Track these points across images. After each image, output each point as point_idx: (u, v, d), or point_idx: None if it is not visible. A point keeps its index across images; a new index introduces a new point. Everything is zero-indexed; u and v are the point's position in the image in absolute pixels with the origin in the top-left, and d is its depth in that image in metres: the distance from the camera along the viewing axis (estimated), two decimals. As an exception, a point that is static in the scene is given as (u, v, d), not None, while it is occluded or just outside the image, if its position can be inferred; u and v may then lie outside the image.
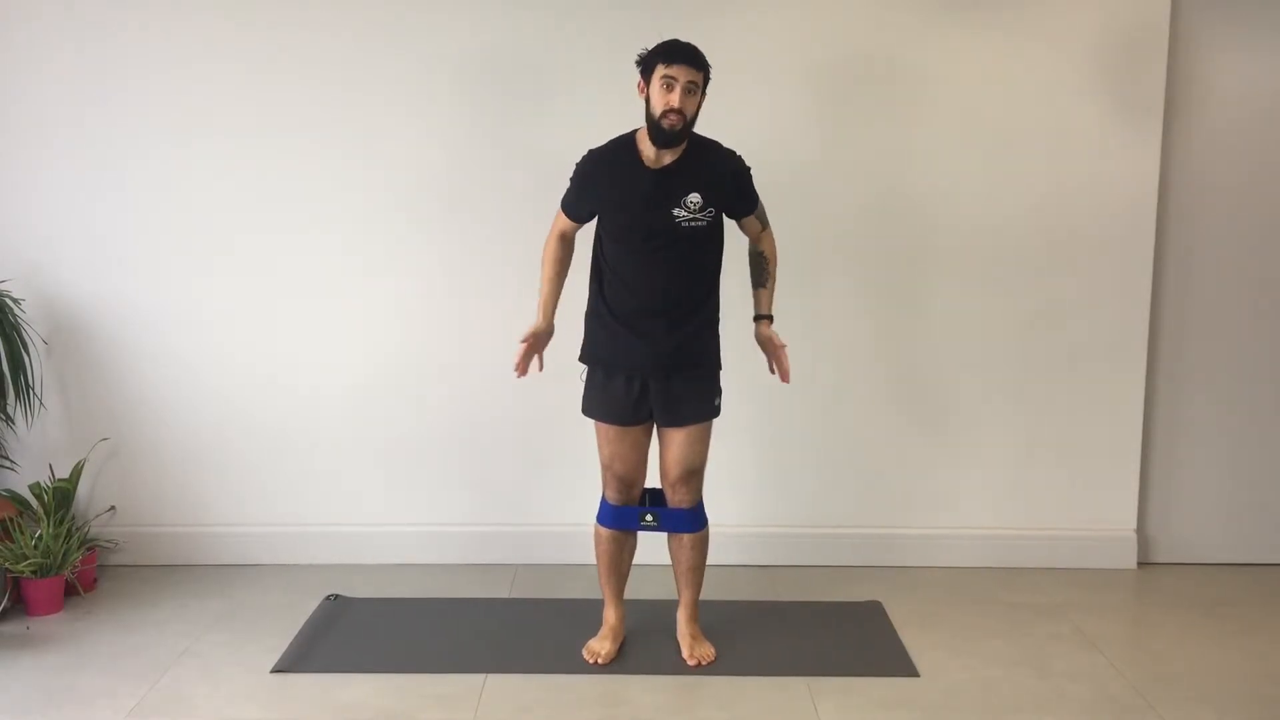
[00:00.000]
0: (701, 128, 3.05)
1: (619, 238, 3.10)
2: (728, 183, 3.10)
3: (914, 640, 3.38)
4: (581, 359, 3.21)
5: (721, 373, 3.22)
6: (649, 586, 3.67)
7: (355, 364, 3.92)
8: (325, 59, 3.76)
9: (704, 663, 3.22)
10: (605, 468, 3.22)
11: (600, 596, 3.34)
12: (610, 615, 3.33)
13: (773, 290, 3.24)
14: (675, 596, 3.33)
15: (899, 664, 3.22)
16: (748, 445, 3.94)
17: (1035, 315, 3.92)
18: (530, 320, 3.22)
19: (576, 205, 3.18)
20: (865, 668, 3.19)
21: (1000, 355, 3.94)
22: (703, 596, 3.32)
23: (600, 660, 3.22)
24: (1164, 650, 3.37)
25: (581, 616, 3.47)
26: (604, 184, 3.10)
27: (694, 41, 2.99)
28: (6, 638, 3.39)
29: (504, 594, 3.75)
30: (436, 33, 3.75)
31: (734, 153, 3.14)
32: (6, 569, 3.46)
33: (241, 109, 3.78)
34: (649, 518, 3.22)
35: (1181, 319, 3.99)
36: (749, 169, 3.16)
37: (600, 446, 3.22)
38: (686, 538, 3.24)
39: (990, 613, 3.61)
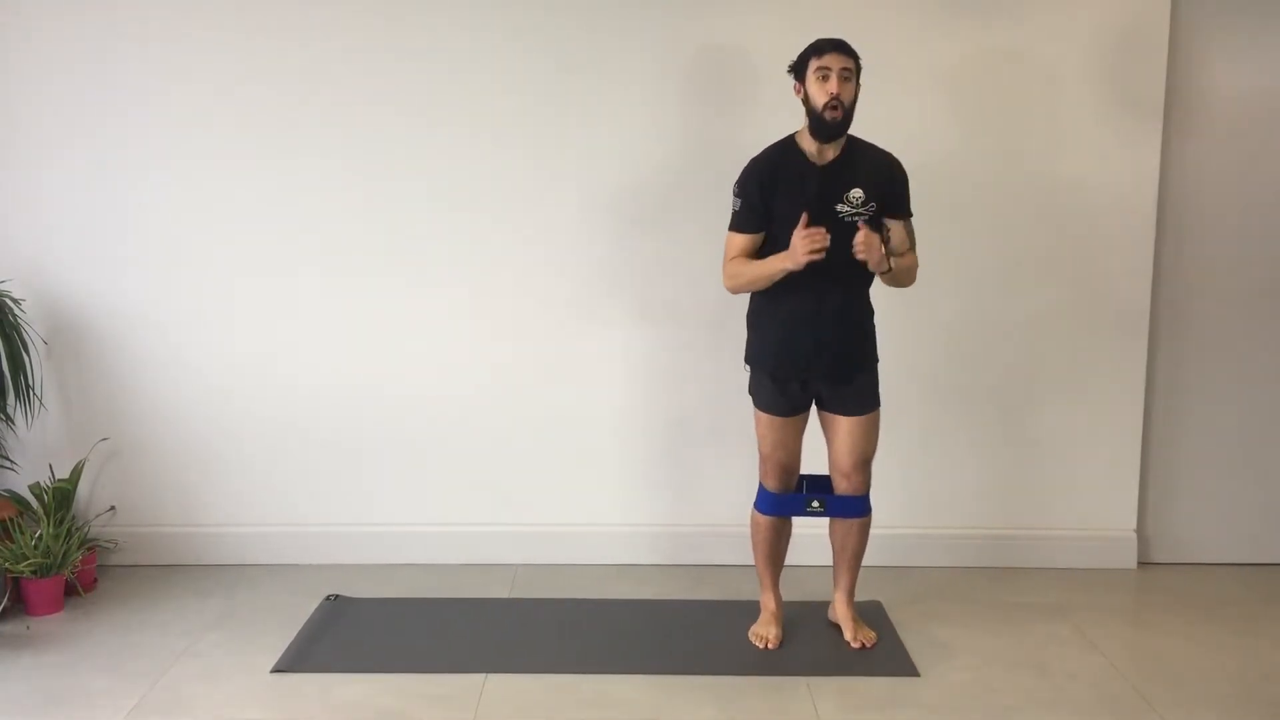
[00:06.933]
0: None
1: (786, 239, 3.07)
2: (887, 178, 3.14)
3: (914, 640, 3.38)
4: (748, 361, 3.25)
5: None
6: (648, 587, 3.68)
7: (355, 363, 3.92)
8: (321, 61, 3.76)
9: (867, 645, 3.27)
10: (766, 458, 3.26)
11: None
12: (769, 601, 3.36)
13: (899, 263, 3.17)
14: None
15: (899, 664, 3.22)
16: (747, 446, 3.91)
17: (1035, 315, 3.92)
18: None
19: (759, 216, 3.13)
20: (865, 668, 3.19)
21: (1000, 355, 3.93)
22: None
23: (770, 644, 3.26)
24: (1164, 650, 3.36)
25: (581, 616, 3.48)
26: (779, 185, 3.10)
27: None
28: (6, 638, 3.39)
29: (504, 594, 3.74)
30: (432, 34, 3.76)
31: (890, 154, 3.18)
32: (6, 569, 3.46)
33: (240, 110, 3.78)
34: (815, 504, 3.27)
35: (1181, 319, 3.98)
36: (906, 175, 3.19)
37: (762, 437, 3.26)
38: (855, 523, 3.30)
39: (990, 613, 3.61)
